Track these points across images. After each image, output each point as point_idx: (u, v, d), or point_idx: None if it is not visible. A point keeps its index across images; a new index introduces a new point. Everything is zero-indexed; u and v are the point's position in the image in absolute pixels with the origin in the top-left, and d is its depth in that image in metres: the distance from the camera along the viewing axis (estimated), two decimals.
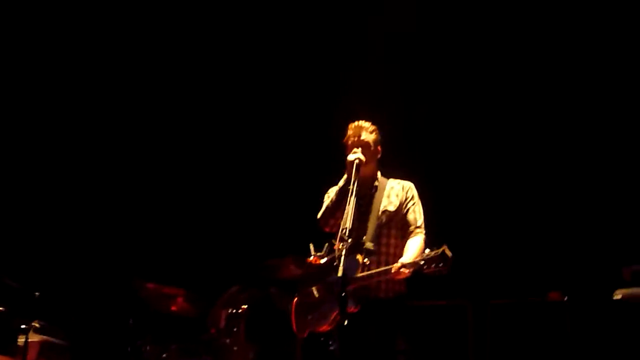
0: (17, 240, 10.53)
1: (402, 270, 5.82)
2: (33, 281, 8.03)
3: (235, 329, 9.00)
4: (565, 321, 8.89)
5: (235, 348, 8.93)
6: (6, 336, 8.15)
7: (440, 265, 5.65)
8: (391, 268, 5.87)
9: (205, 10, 10.84)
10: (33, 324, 8.35)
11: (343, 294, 5.42)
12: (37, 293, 7.98)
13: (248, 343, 8.99)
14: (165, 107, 11.23)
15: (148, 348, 9.09)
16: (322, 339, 8.44)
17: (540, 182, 9.94)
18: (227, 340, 8.98)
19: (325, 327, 6.03)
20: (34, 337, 8.40)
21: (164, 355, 9.06)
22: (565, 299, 8.93)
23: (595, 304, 8.81)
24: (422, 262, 5.74)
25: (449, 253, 5.67)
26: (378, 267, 6.03)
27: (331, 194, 6.37)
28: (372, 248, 6.09)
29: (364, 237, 6.15)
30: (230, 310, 9.09)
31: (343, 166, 6.30)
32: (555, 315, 8.97)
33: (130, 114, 11.19)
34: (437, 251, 5.70)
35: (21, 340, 8.05)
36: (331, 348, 8.25)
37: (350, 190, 5.99)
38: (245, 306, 9.02)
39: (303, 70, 10.56)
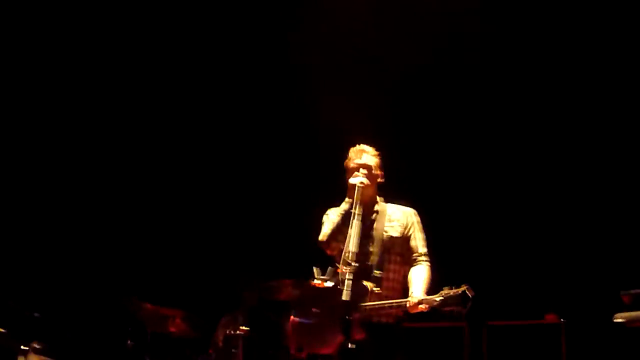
0: (16, 261, 10.53)
1: (419, 306, 5.79)
2: (32, 303, 8.04)
3: (233, 350, 8.99)
4: (561, 344, 8.92)
5: None
6: (6, 357, 8.14)
7: (460, 306, 5.60)
8: (407, 302, 5.84)
9: (212, 11, 10.83)
10: (32, 344, 8.35)
11: (348, 318, 5.42)
12: (36, 314, 7.98)
13: None
14: (157, 131, 11.23)
15: None
16: None
17: (538, 204, 9.98)
18: None
19: (326, 350, 5.99)
20: (33, 358, 8.40)
21: None
22: (562, 321, 8.96)
23: (593, 326, 8.84)
24: (441, 300, 5.67)
25: (470, 294, 5.60)
26: (381, 294, 6.00)
27: (330, 215, 6.34)
28: (379, 275, 6.08)
29: (369, 263, 6.14)
30: (228, 332, 9.10)
31: (340, 188, 6.31)
32: (551, 337, 8.99)
33: (124, 131, 11.18)
34: (457, 291, 5.63)
35: None
36: None
37: (353, 214, 5.99)
38: (244, 328, 9.03)
39: (303, 90, 10.51)
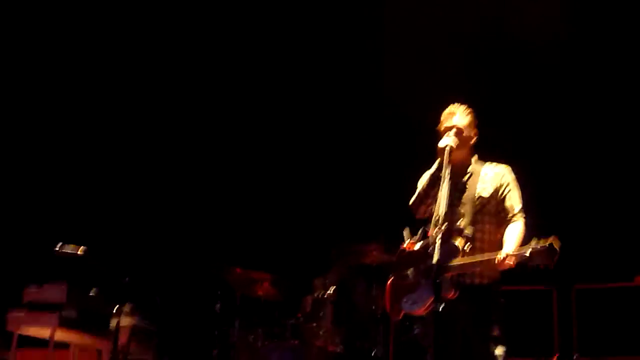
0: (108, 226, 10.75)
1: (506, 261, 5.71)
2: (124, 267, 8.16)
3: (321, 314, 9.05)
4: None
5: (321, 332, 8.99)
6: (99, 320, 8.31)
7: (547, 259, 5.48)
8: (494, 258, 5.75)
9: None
10: (124, 308, 8.51)
11: (438, 280, 5.41)
12: (127, 278, 8.10)
13: (334, 327, 9.04)
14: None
15: (235, 332, 9.21)
16: (407, 323, 8.54)
17: (631, 160, 9.77)
18: (314, 324, 9.05)
19: (420, 311, 5.97)
20: (124, 321, 8.56)
21: (251, 339, 9.17)
22: None
23: None
24: (527, 254, 5.57)
25: (557, 245, 5.48)
26: (474, 254, 5.98)
27: (423, 180, 6.33)
28: (470, 234, 6.04)
29: (461, 223, 6.10)
30: (316, 295, 9.15)
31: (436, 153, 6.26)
32: None
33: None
34: (544, 244, 5.51)
35: (113, 323, 8.20)
36: (415, 332, 8.35)
37: (442, 176, 5.94)
38: (331, 291, 9.07)
39: (400, 57, 10.48)
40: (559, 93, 10.15)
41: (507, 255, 5.70)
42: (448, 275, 5.80)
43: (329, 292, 9.06)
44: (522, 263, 5.65)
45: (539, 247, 5.54)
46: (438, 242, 5.50)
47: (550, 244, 5.50)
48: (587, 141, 9.96)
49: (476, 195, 6.18)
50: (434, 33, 10.21)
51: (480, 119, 6.40)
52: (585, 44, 9.97)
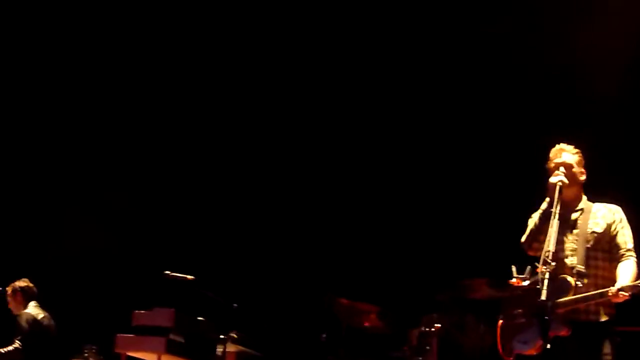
0: (218, 253, 10.87)
1: (621, 293, 5.64)
2: (232, 294, 8.23)
3: (427, 347, 8.96)
4: None
5: None
6: (205, 346, 8.38)
7: None
8: (608, 291, 5.70)
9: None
10: (231, 334, 8.57)
11: (546, 318, 5.31)
12: (235, 305, 8.16)
13: None
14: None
15: None
16: None
17: None
18: (419, 359, 8.97)
19: (532, 351, 5.92)
20: (231, 347, 8.62)
21: None
22: None
23: None
24: None
25: None
26: (588, 290, 5.87)
27: (535, 217, 6.26)
28: (583, 270, 5.95)
29: (573, 259, 6.01)
30: (423, 329, 9.07)
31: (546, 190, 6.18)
32: None
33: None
34: None
35: (219, 350, 8.26)
36: None
37: (553, 213, 5.86)
38: (439, 325, 8.97)
39: (507, 94, 10.40)
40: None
41: (620, 287, 5.62)
42: (560, 312, 5.73)
43: (436, 325, 8.96)
44: (638, 294, 5.58)
45: None
46: (547, 278, 5.41)
47: None
48: None
49: (588, 230, 6.09)
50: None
51: (588, 160, 6.32)
52: None
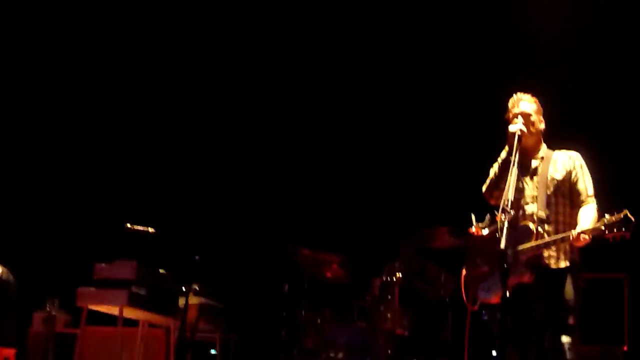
0: (178, 205, 10.84)
1: (582, 236, 5.68)
2: (193, 246, 8.21)
3: (389, 296, 9.02)
4: None
5: (388, 315, 8.95)
6: (167, 298, 8.36)
7: (623, 229, 5.49)
8: (569, 235, 5.74)
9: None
10: (193, 286, 8.57)
11: (506, 266, 5.34)
12: (196, 257, 8.15)
13: (401, 310, 9.00)
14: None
15: (302, 313, 9.23)
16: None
17: None
18: (381, 307, 9.02)
19: (496, 299, 5.99)
20: (193, 300, 8.62)
21: (318, 320, 9.16)
22: None
23: None
24: (603, 227, 5.58)
25: (631, 217, 5.50)
26: (549, 236, 5.92)
27: (495, 166, 6.29)
28: (544, 216, 5.99)
29: (533, 207, 6.05)
30: (384, 278, 9.11)
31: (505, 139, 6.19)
32: None
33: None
34: (618, 215, 5.53)
35: (181, 302, 8.25)
36: (484, 319, 8.27)
37: (512, 162, 5.88)
38: (400, 274, 9.02)
39: (470, 45, 10.43)
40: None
41: (582, 231, 5.69)
42: (523, 258, 5.81)
43: (397, 275, 9.01)
44: (599, 236, 5.64)
45: (613, 219, 5.56)
46: (506, 226, 5.44)
47: (625, 215, 5.53)
48: None
49: (548, 177, 6.14)
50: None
51: (546, 108, 6.34)
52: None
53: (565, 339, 5.83)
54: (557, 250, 5.99)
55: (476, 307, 6.28)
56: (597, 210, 6.01)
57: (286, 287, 9.44)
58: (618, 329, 9.01)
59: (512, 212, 5.61)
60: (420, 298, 9.27)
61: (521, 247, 5.85)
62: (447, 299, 9.08)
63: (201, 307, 8.92)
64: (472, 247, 6.33)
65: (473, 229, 6.33)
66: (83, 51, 11.31)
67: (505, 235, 5.39)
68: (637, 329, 9.01)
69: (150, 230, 8.08)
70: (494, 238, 5.80)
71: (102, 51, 11.34)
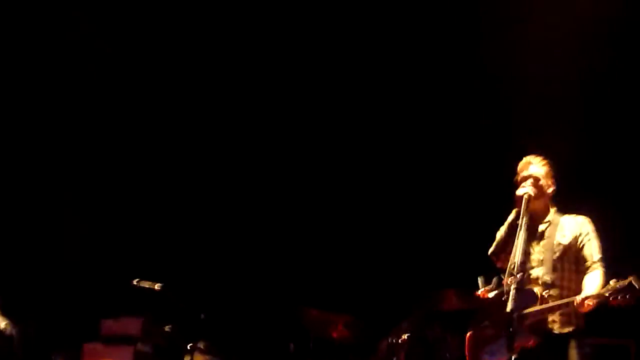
0: (185, 263, 10.84)
1: (586, 302, 5.66)
2: (200, 303, 8.21)
3: (394, 359, 8.98)
4: None
5: None
6: (173, 355, 8.35)
7: (628, 296, 5.47)
8: (574, 300, 5.72)
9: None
10: (198, 344, 8.54)
11: (511, 330, 5.32)
12: (202, 315, 8.14)
13: None
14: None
15: None
16: None
17: None
18: None
19: None
20: (198, 357, 8.58)
21: None
22: None
23: None
24: (607, 294, 5.56)
25: (637, 284, 5.47)
26: (554, 301, 5.91)
27: (502, 229, 6.29)
28: (549, 281, 5.98)
29: (539, 271, 6.04)
30: (390, 340, 9.07)
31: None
32: None
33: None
34: (623, 282, 5.52)
35: (187, 359, 8.23)
36: None
37: (520, 225, 5.90)
38: (406, 336, 8.98)
39: (477, 111, 10.46)
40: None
41: (585, 297, 5.66)
42: (527, 322, 5.77)
43: (403, 337, 8.97)
44: (603, 302, 5.61)
45: (618, 285, 5.54)
46: (513, 290, 5.43)
47: (630, 282, 5.50)
48: None
49: (555, 242, 6.12)
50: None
51: (558, 172, 6.35)
52: None
53: None
54: (562, 315, 5.96)
55: None
56: (604, 276, 5.96)
57: (292, 347, 9.41)
58: None
59: (519, 276, 5.62)
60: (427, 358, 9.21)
61: (525, 311, 5.81)
62: None
63: None
64: (479, 310, 6.31)
65: (480, 292, 6.32)
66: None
67: (513, 298, 5.39)
68: None
69: (157, 287, 8.09)
70: (500, 301, 5.80)
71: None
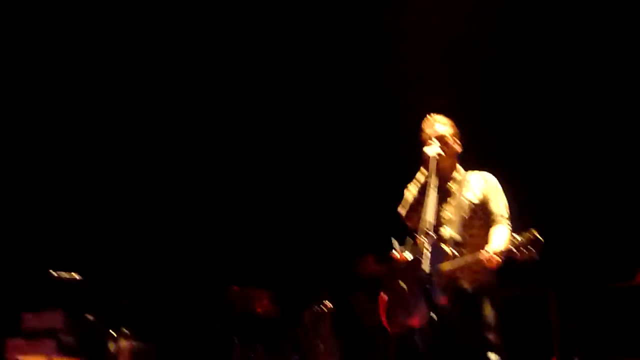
0: (105, 250, 10.73)
1: (492, 257, 5.70)
2: (121, 290, 8.16)
3: (321, 328, 9.04)
4: None
5: (321, 346, 8.97)
6: (97, 344, 8.30)
7: (532, 249, 5.50)
8: (479, 254, 5.74)
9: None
10: (122, 330, 8.51)
11: (428, 288, 5.38)
12: (124, 300, 8.10)
13: (334, 341, 9.02)
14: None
15: (235, 349, 9.20)
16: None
17: (621, 160, 9.68)
18: (313, 338, 9.03)
19: (416, 322, 5.95)
20: (124, 343, 8.55)
21: (252, 356, 9.15)
22: None
23: None
24: (512, 248, 5.60)
25: (538, 236, 5.51)
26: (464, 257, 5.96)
27: (411, 188, 6.31)
28: (459, 239, 6.03)
29: (450, 230, 6.10)
30: (315, 309, 9.14)
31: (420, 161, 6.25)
32: None
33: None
34: (526, 235, 5.55)
35: (112, 347, 8.19)
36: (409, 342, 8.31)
37: (429, 184, 5.93)
38: (330, 305, 9.05)
39: (382, 67, 10.48)
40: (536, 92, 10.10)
41: (494, 252, 5.69)
42: (438, 280, 5.77)
43: (327, 305, 9.04)
44: (509, 257, 5.65)
45: (521, 239, 5.58)
46: (427, 249, 5.47)
47: (532, 234, 5.54)
48: (578, 139, 9.85)
49: (464, 200, 6.17)
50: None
51: (460, 129, 6.41)
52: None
53: (492, 356, 5.88)
54: (473, 272, 6.00)
55: (398, 331, 6.26)
56: (509, 231, 6.00)
57: (218, 326, 9.42)
58: (546, 345, 9.10)
59: (434, 235, 5.67)
60: (354, 327, 9.29)
61: (438, 269, 5.80)
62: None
63: (133, 351, 8.83)
64: (392, 272, 6.32)
65: (397, 254, 6.33)
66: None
67: (428, 258, 5.44)
68: (566, 345, 9.10)
69: (76, 276, 8.01)
70: (414, 260, 5.85)
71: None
